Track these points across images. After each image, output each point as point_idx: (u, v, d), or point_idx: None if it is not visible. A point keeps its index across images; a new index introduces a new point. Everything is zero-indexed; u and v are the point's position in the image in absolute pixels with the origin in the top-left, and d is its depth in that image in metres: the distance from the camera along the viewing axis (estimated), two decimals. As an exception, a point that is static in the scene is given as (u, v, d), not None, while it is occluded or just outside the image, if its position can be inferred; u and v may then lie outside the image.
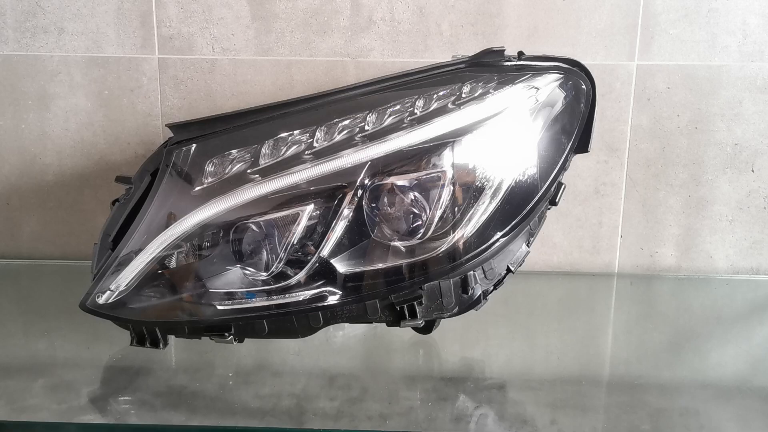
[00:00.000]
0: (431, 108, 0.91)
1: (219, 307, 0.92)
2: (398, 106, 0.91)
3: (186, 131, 0.92)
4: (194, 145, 0.91)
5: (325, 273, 0.91)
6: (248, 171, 0.89)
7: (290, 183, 0.89)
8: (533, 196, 0.97)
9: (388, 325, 0.99)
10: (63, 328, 1.14)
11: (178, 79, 1.28)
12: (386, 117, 0.91)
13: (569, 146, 1.01)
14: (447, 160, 0.92)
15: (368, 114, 0.91)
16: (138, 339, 0.98)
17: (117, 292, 0.93)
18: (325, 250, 0.91)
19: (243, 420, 0.87)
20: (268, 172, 0.88)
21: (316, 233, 0.89)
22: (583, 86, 1.01)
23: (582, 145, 1.02)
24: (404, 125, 0.89)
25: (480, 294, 0.98)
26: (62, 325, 1.15)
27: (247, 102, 1.28)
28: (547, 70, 0.99)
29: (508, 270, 0.99)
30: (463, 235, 0.93)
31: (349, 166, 0.88)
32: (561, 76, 0.98)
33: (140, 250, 0.90)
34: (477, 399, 0.95)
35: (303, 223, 0.90)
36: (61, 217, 1.35)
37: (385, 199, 0.93)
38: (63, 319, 1.14)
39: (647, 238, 1.34)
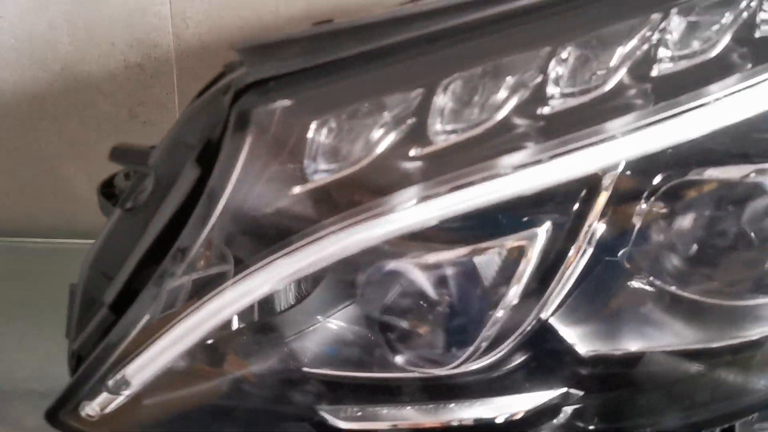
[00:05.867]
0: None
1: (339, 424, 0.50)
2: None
3: (271, 60, 0.44)
4: (291, 99, 0.44)
5: (550, 355, 0.49)
6: (407, 153, 0.44)
7: (514, 191, 0.45)
8: None
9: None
10: None
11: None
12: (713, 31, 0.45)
13: None
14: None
15: (658, 23, 0.44)
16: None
17: (123, 397, 0.49)
18: (549, 308, 0.48)
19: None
20: (455, 157, 0.45)
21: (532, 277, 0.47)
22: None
23: None
24: (744, 57, 0.46)
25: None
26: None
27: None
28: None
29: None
30: None
31: (642, 152, 0.45)
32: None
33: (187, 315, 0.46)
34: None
35: (533, 264, 0.46)
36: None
37: (692, 210, 0.47)
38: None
39: None
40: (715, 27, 0.45)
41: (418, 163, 0.45)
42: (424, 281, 0.45)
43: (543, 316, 0.47)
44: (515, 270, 0.45)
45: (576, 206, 0.46)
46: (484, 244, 0.45)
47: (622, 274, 0.50)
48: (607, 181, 0.45)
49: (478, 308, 0.46)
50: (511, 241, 0.45)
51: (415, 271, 0.45)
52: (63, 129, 0.89)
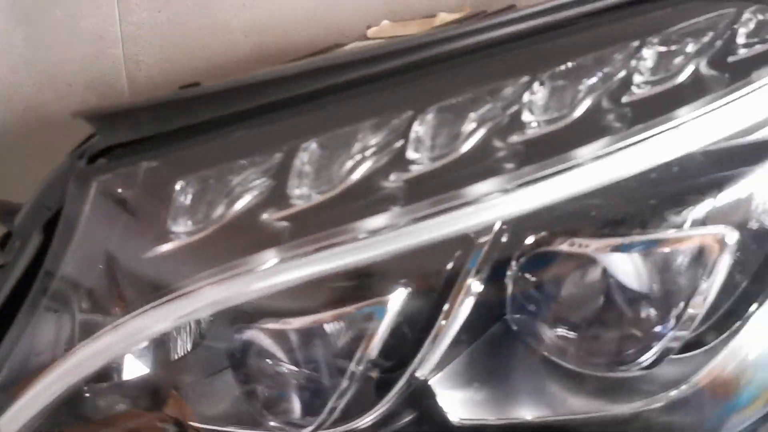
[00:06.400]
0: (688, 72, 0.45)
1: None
2: (593, 68, 0.45)
3: (123, 126, 0.44)
4: (144, 163, 0.44)
5: (431, 417, 0.47)
6: (267, 214, 0.44)
7: (373, 254, 0.43)
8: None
9: None
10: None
11: (149, -21, 0.82)
12: (577, 95, 0.44)
13: None
14: (736, 200, 0.45)
15: (525, 86, 0.44)
16: None
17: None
18: (425, 368, 0.46)
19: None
20: (312, 220, 0.44)
21: (404, 339, 0.46)
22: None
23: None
24: (617, 120, 0.44)
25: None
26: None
27: (264, 24, 0.79)
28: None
29: None
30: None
31: (508, 216, 0.44)
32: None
33: (40, 371, 0.46)
34: None
35: (383, 329, 0.44)
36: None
37: (556, 278, 0.45)
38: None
39: None
40: (577, 92, 0.43)
41: (280, 224, 0.44)
42: (275, 347, 0.45)
43: (419, 375, 0.45)
44: (365, 337, 0.43)
45: (450, 266, 0.44)
46: (336, 312, 0.44)
47: (508, 337, 0.48)
48: (480, 241, 0.44)
49: (329, 374, 0.45)
50: (363, 308, 0.44)
51: (265, 337, 0.44)
52: (29, 168, 0.88)
